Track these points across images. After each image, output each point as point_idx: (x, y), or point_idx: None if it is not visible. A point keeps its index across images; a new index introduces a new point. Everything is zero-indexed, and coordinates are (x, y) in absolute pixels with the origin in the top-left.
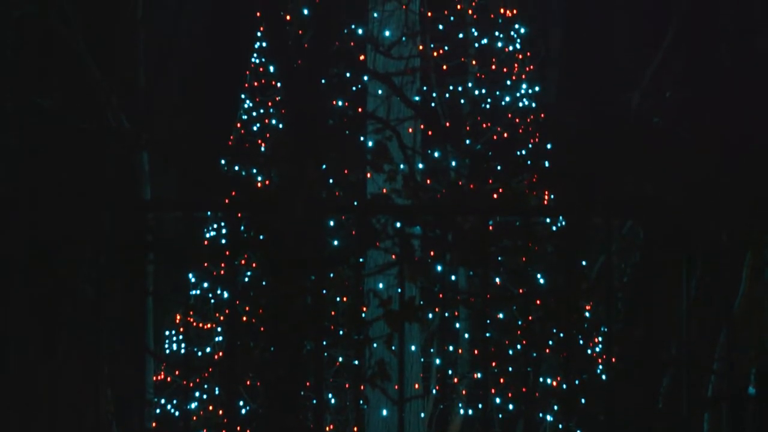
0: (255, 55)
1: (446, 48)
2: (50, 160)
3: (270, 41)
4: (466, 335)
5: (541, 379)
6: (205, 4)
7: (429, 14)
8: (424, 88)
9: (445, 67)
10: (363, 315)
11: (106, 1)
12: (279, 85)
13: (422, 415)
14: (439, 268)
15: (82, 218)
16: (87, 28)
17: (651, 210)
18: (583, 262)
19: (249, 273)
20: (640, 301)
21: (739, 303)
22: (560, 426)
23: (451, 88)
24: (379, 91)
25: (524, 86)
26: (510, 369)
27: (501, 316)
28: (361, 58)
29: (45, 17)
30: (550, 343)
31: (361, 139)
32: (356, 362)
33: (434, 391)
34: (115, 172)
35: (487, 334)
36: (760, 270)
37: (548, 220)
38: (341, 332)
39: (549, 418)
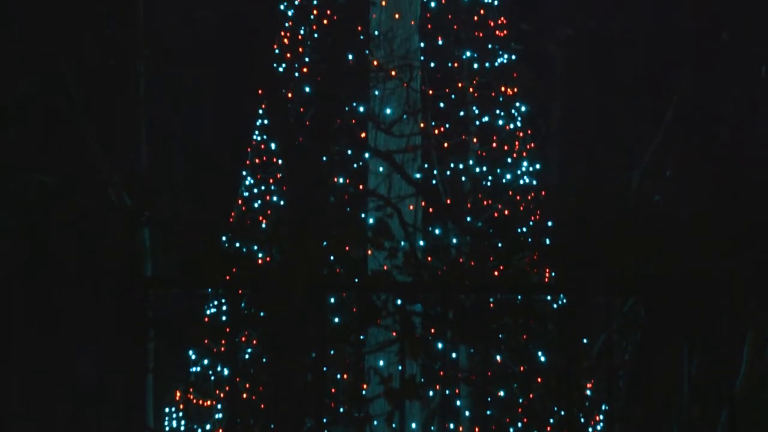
0: (257, 132)
1: (447, 125)
2: (52, 238)
3: (272, 118)
4: (467, 413)
5: None
6: (207, 81)
7: (430, 92)
8: (426, 165)
9: (446, 144)
10: (363, 392)
11: (108, 79)
12: (280, 162)
13: None
14: (440, 345)
15: (84, 295)
16: (89, 105)
17: (652, 289)
18: (584, 340)
19: (249, 350)
20: (641, 379)
21: (740, 382)
22: None
23: (452, 165)
24: (381, 169)
25: (525, 164)
26: None
27: (502, 394)
28: (363, 135)
29: (48, 94)
30: (552, 421)
31: (362, 216)
32: None
33: None
34: (116, 249)
35: (488, 412)
36: (762, 349)
37: (549, 298)
38: (342, 409)
39: None
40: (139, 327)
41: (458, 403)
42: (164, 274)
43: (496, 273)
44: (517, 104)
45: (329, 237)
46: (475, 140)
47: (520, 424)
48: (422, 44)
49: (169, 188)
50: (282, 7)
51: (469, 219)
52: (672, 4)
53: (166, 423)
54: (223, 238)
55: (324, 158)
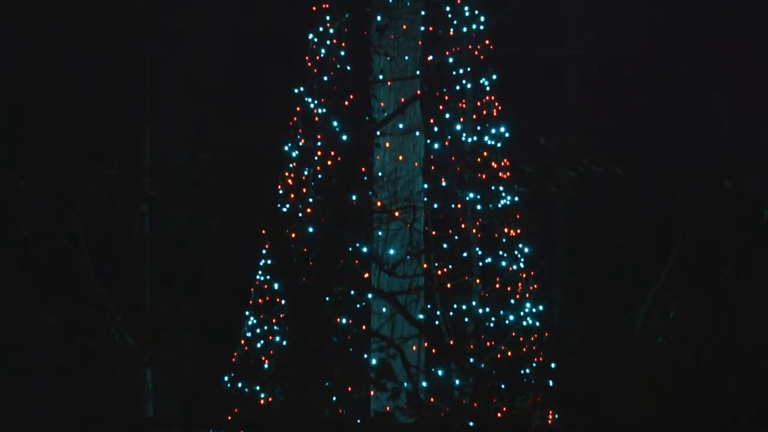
0: (260, 272)
1: (450, 266)
2: (54, 376)
3: (275, 258)
4: None
5: None
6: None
7: (433, 233)
8: (429, 306)
9: (449, 285)
10: None
11: (112, 221)
12: (284, 302)
13: None
14: None
15: None
16: (93, 247)
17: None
18: None
19: None
20: None
21: None
22: None
23: (455, 306)
24: (384, 309)
25: (528, 305)
26: None
27: None
28: (366, 276)
29: (52, 237)
30: None
31: (365, 356)
32: None
33: None
34: (118, 389)
35: None
36: None
37: None
38: None
39: None
40: None
41: None
42: (166, 413)
43: (499, 415)
44: (520, 245)
45: (332, 378)
46: (478, 281)
47: None
48: (426, 185)
49: (172, 327)
50: (286, 148)
51: (472, 360)
52: (673, 147)
53: None
54: (226, 378)
55: (327, 299)
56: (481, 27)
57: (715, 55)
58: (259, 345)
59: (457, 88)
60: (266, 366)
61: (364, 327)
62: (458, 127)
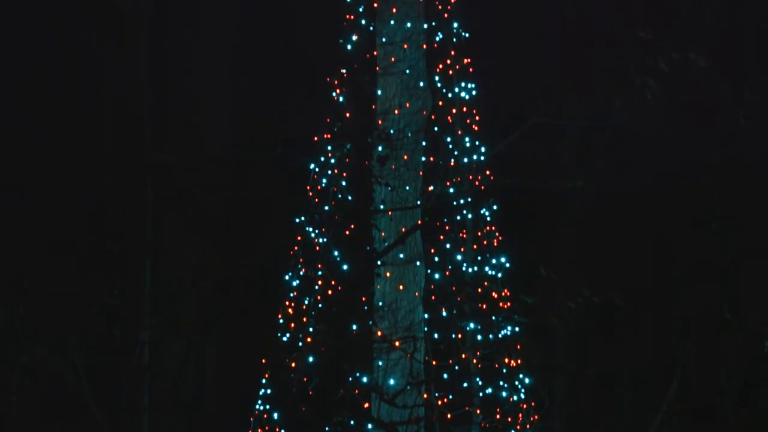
0: (259, 401)
1: (451, 397)
2: None
3: (275, 388)
4: None
5: None
6: (210, 349)
7: (434, 363)
8: None
9: (449, 415)
10: None
11: (112, 348)
12: None
13: None
14: None
15: None
16: (92, 374)
17: None
18: None
19: None
20: None
21: None
22: None
23: None
24: None
25: None
26: None
27: None
28: (366, 406)
29: (52, 363)
30: None
31: None
32: None
33: None
34: None
35: None
36: None
37: None
38: None
39: None
40: None
41: None
42: None
43: None
44: (521, 376)
45: None
46: (478, 412)
47: None
48: (426, 315)
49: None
50: (287, 277)
51: None
52: (672, 277)
53: None
54: None
55: (327, 429)
56: (482, 158)
57: (711, 182)
58: None
59: (458, 218)
60: None
61: None
62: (459, 257)
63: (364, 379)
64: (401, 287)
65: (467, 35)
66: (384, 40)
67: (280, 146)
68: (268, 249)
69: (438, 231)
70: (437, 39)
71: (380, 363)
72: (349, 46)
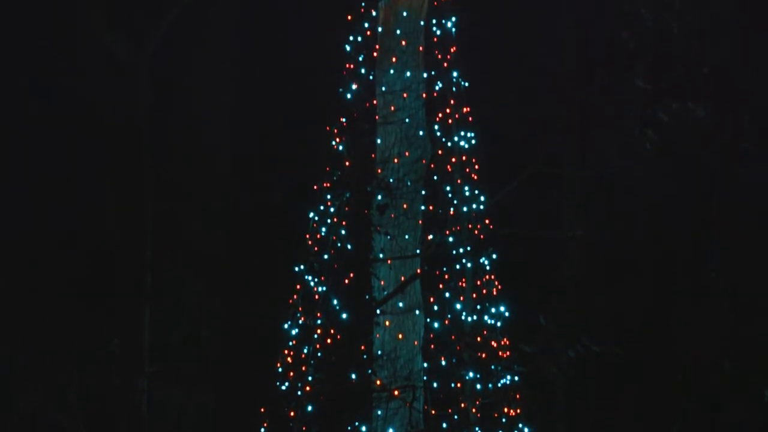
0: None
1: None
2: None
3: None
4: None
5: None
6: (209, 404)
7: (433, 412)
8: None
9: None
10: None
11: (111, 397)
12: None
13: None
14: None
15: None
16: (91, 422)
17: None
18: None
19: None
20: None
21: None
22: None
23: None
24: None
25: None
26: None
27: None
28: None
29: (50, 411)
30: None
31: None
32: None
33: None
34: None
35: None
36: None
37: None
38: None
39: None
40: None
41: None
42: None
43: None
44: (521, 425)
45: None
46: None
47: None
48: (425, 364)
49: None
50: (286, 326)
51: None
52: (674, 328)
53: None
54: None
55: None
56: (481, 207)
57: (714, 236)
58: None
59: (457, 267)
60: None
61: None
62: (458, 306)
63: (364, 429)
64: (400, 336)
65: (467, 84)
66: (384, 89)
67: (279, 194)
68: (268, 297)
69: (437, 280)
70: (437, 88)
71: (379, 412)
72: (348, 95)
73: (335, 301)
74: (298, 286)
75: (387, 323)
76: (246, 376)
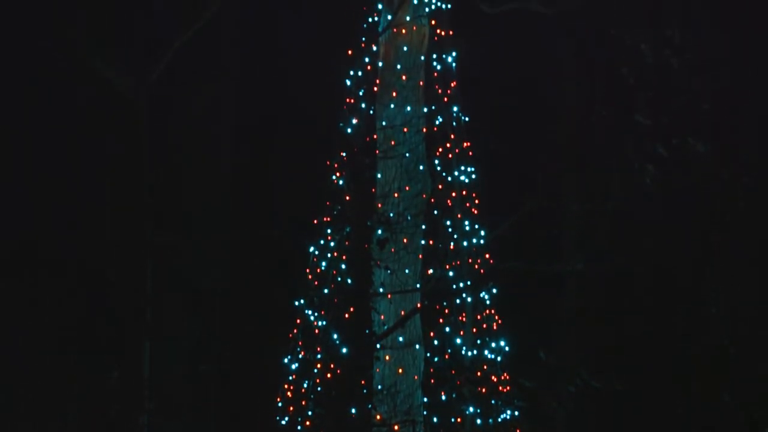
0: None
1: None
2: None
3: None
4: None
5: None
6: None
7: None
8: None
9: None
10: None
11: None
12: None
13: None
14: None
15: None
16: None
17: None
18: None
19: None
20: None
21: None
22: None
23: None
24: None
25: None
26: None
27: None
28: None
29: None
30: None
31: None
32: None
33: None
34: None
35: None
36: None
37: None
38: None
39: None
40: None
41: None
42: None
43: None
44: None
45: None
46: None
47: None
48: (425, 399)
49: None
50: (286, 360)
51: None
52: (672, 360)
53: None
54: None
55: None
56: (481, 241)
57: (714, 271)
58: None
59: (458, 301)
60: None
61: None
62: (458, 340)
63: None
64: (400, 371)
65: (467, 119)
66: (384, 123)
67: (279, 229)
68: (268, 332)
69: (437, 314)
70: (437, 123)
71: None
72: (349, 129)
73: (335, 336)
74: (298, 321)
75: (387, 358)
76: (246, 410)
